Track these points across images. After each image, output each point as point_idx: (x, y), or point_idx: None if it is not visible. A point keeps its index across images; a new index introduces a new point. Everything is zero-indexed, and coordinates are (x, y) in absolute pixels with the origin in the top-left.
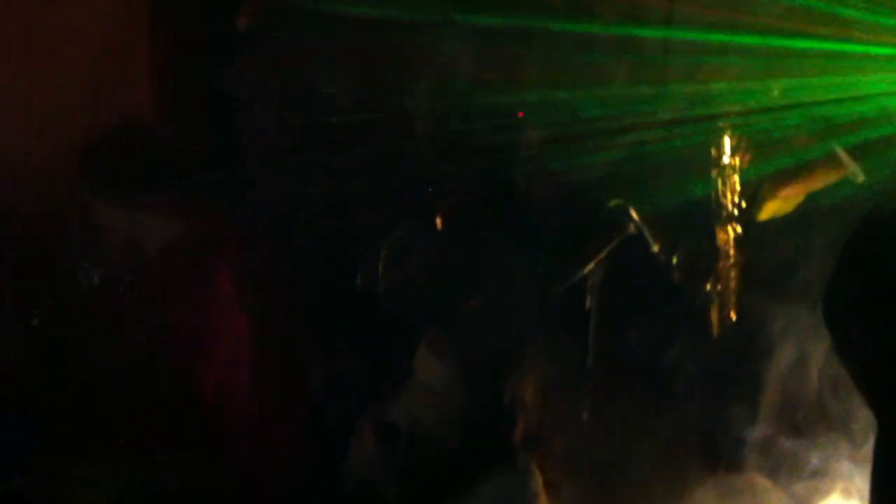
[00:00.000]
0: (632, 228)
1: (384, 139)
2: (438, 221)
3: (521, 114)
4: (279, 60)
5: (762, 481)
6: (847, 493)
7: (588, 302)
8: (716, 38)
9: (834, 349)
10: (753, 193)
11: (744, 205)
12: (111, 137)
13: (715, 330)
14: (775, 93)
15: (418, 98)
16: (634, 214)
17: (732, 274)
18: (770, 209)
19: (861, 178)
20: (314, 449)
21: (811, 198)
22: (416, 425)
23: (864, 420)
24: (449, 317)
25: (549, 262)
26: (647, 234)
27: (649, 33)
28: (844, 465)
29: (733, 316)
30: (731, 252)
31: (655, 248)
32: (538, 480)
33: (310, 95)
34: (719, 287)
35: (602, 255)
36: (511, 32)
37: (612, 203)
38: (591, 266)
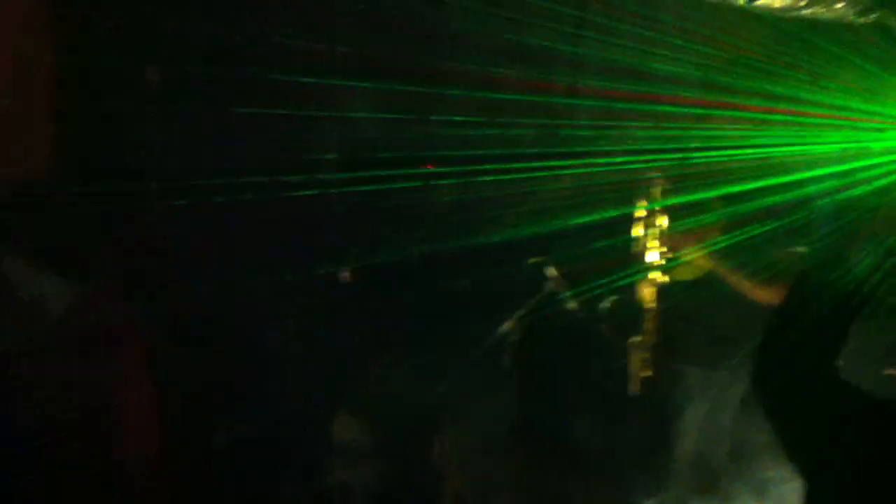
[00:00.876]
0: (551, 286)
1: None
2: (346, 276)
3: (430, 165)
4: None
5: None
6: None
7: (507, 361)
8: (620, 107)
9: (765, 406)
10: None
11: (668, 254)
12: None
13: (635, 386)
14: (693, 146)
15: (321, 154)
16: (554, 272)
17: (651, 328)
18: (688, 271)
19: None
20: None
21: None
22: (343, 491)
23: (774, 478)
24: (367, 379)
25: (469, 321)
26: (566, 291)
27: (555, 100)
28: None
29: (649, 372)
30: (652, 306)
31: (574, 306)
32: None
33: (210, 150)
34: (642, 341)
35: (521, 314)
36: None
37: (532, 261)
38: (510, 324)
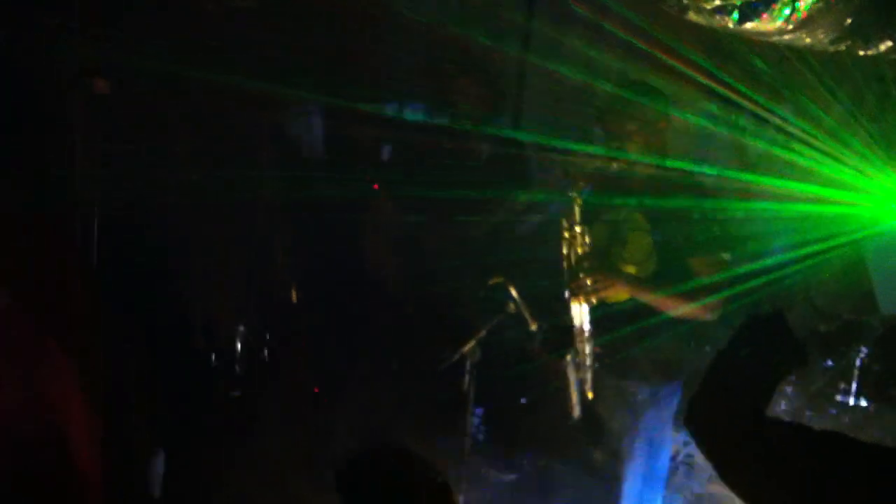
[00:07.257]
0: (511, 307)
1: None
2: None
3: (375, 185)
4: None
5: None
6: None
7: (466, 384)
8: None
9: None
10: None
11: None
12: None
13: (574, 409)
14: (614, 166)
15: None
16: (514, 292)
17: (587, 350)
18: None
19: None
20: None
21: None
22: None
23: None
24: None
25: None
26: (525, 312)
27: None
28: None
29: (590, 395)
30: (585, 327)
31: (533, 327)
32: None
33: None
34: (577, 362)
35: (482, 334)
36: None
37: (492, 281)
38: (470, 345)
